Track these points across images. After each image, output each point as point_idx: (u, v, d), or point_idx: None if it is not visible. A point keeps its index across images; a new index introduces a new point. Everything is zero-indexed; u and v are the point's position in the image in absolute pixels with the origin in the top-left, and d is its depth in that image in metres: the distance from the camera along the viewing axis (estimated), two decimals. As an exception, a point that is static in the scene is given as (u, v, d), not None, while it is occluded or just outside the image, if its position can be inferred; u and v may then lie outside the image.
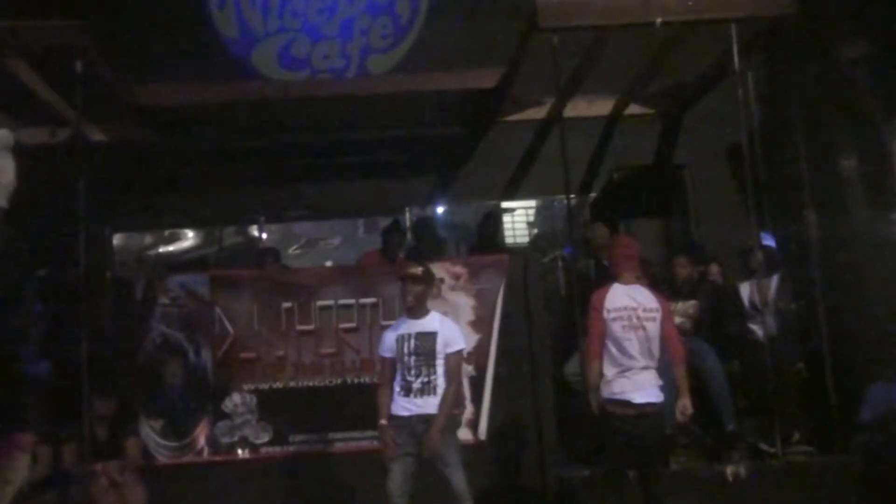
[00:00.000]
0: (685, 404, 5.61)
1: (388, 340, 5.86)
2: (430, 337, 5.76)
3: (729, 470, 6.39)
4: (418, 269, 5.84)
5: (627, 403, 5.51)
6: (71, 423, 6.44)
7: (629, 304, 5.64)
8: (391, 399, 5.78)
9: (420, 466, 5.66)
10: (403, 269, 5.93)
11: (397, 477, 5.60)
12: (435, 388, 5.71)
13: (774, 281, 7.02)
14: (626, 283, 5.74)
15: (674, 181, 8.91)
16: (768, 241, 7.15)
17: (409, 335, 5.76)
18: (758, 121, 7.40)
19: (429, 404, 5.67)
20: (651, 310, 5.65)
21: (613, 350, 5.59)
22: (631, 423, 5.50)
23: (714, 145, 8.65)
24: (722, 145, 8.46)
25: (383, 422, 5.75)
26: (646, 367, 5.58)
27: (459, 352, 5.86)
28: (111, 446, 6.58)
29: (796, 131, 7.54)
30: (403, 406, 5.71)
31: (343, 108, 8.24)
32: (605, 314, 5.62)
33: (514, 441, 6.97)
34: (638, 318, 5.61)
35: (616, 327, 5.59)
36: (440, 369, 5.74)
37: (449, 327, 5.88)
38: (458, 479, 5.60)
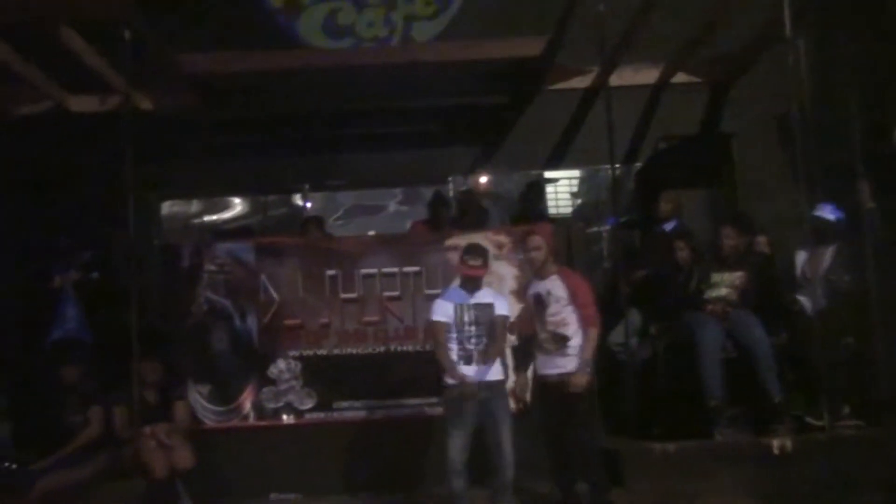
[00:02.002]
0: None
1: (445, 307, 5.94)
2: (489, 308, 5.95)
3: (775, 443, 6.31)
4: (480, 262, 5.98)
5: None
6: (121, 387, 6.57)
7: None
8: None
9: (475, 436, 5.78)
10: (469, 265, 5.97)
11: (457, 444, 5.72)
12: (493, 356, 5.90)
13: (829, 253, 6.90)
14: None
15: (721, 151, 8.79)
16: (826, 211, 6.99)
17: (468, 306, 5.93)
18: (809, 89, 7.24)
19: (491, 371, 5.87)
20: None
21: None
22: None
23: (763, 114, 8.51)
24: (771, 114, 8.32)
25: (461, 373, 5.80)
26: None
27: (506, 316, 6.06)
28: (160, 410, 6.68)
29: (849, 99, 7.37)
30: (464, 374, 5.81)
31: (387, 77, 8.22)
32: None
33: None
34: None
35: None
36: (496, 338, 5.95)
37: (500, 299, 6.12)
38: (508, 446, 5.75)
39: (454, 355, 5.87)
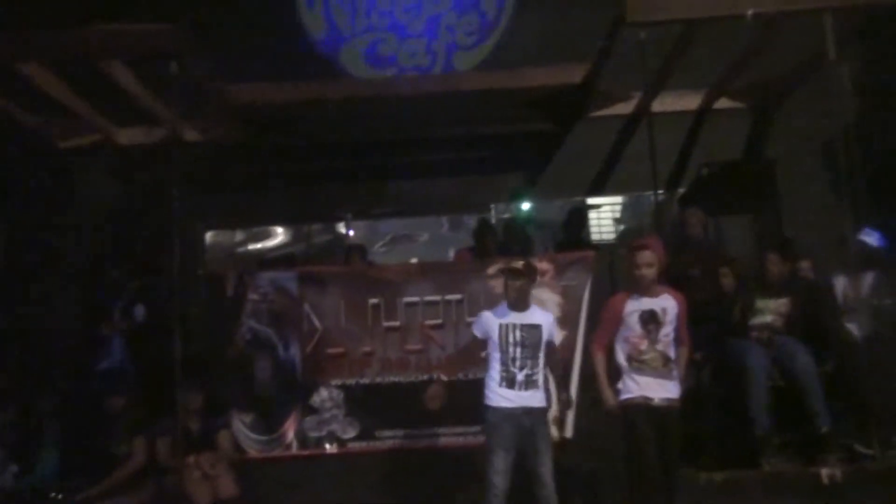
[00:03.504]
0: None
1: (489, 324, 5.78)
2: (537, 329, 5.74)
3: (824, 472, 6.19)
4: (519, 264, 5.84)
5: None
6: (165, 417, 6.63)
7: None
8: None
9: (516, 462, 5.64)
10: (505, 263, 5.90)
11: (500, 468, 5.55)
12: (537, 381, 5.70)
13: (870, 277, 6.79)
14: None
15: (765, 176, 8.70)
16: (871, 237, 6.89)
17: (514, 325, 5.71)
18: (854, 114, 7.15)
19: (534, 398, 5.67)
20: None
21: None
22: None
23: (807, 139, 8.42)
24: (816, 139, 8.23)
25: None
26: None
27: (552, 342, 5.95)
28: (203, 439, 6.74)
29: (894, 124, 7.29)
30: (506, 398, 5.63)
31: (429, 106, 8.28)
32: None
33: (601, 439, 6.89)
34: None
35: None
36: (541, 363, 5.73)
37: (550, 320, 5.90)
38: (549, 476, 5.59)
39: (497, 376, 5.67)
